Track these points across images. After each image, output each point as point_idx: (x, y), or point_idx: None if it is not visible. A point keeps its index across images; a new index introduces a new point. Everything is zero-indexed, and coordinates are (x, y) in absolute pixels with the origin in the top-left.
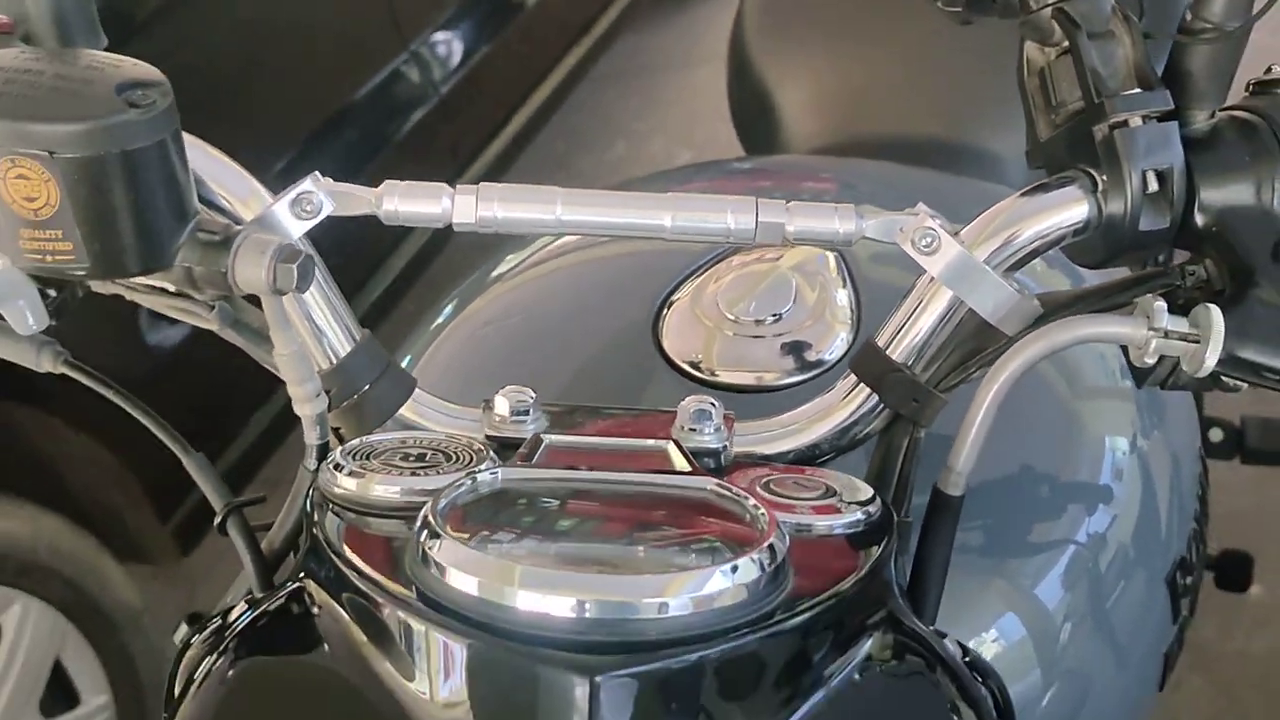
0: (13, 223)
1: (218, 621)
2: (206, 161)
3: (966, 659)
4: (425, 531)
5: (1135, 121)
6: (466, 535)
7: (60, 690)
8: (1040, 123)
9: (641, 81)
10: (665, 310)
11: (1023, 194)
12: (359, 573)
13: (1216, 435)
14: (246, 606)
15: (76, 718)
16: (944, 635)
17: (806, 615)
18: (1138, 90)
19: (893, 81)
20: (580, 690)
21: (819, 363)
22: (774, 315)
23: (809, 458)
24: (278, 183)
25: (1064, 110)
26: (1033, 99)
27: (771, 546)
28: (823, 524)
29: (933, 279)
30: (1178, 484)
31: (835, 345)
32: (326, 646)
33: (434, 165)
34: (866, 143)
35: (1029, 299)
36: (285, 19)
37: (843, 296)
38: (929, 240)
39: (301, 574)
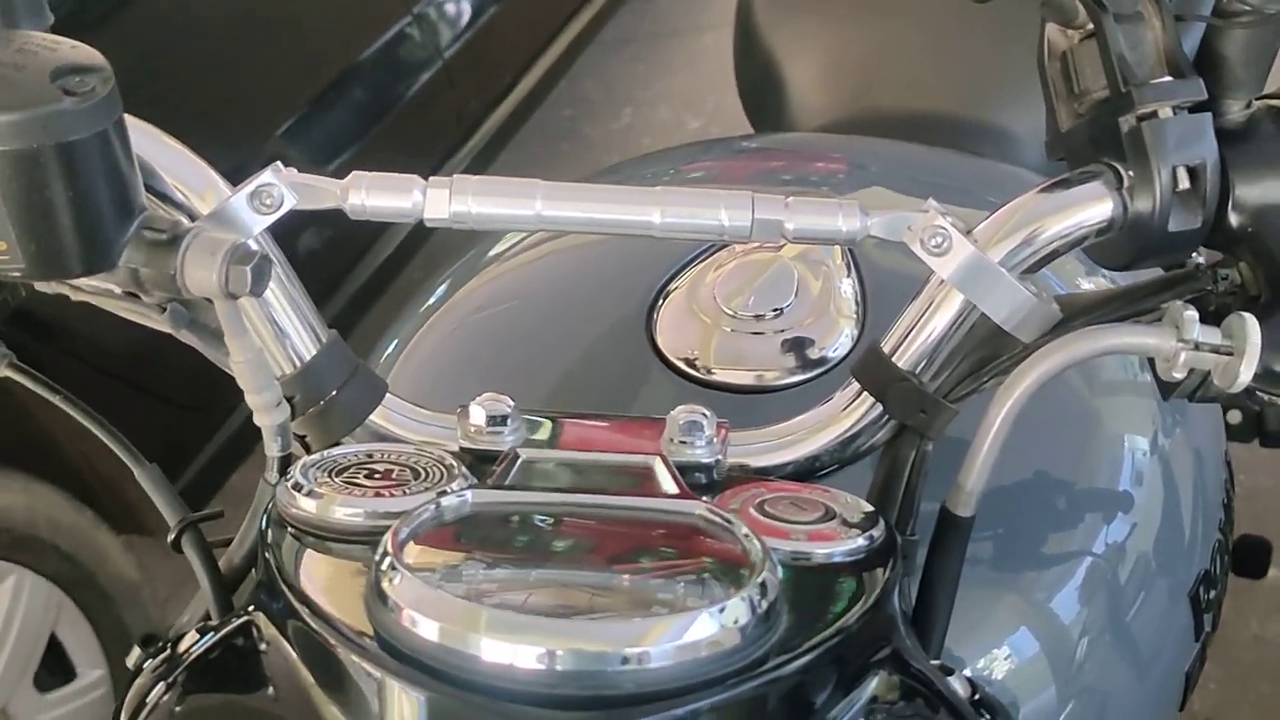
0: None
1: (168, 650)
2: (157, 150)
3: (975, 696)
4: (384, 564)
5: (1165, 112)
6: (429, 570)
7: (56, 663)
8: (1061, 111)
9: (649, 47)
10: (660, 303)
11: (1041, 190)
12: (312, 607)
13: (1235, 417)
14: (198, 636)
15: (72, 691)
16: (951, 671)
17: (804, 658)
18: (1168, 78)
19: (906, 55)
20: None
21: (822, 361)
22: (775, 310)
23: (808, 471)
24: (281, 143)
25: (1088, 99)
26: (1053, 86)
27: (764, 583)
28: (821, 551)
29: (943, 281)
30: (1202, 489)
31: (839, 342)
32: (272, 688)
33: (438, 131)
34: (878, 119)
35: (1047, 303)
36: None
37: (848, 289)
38: (939, 240)
39: (251, 605)
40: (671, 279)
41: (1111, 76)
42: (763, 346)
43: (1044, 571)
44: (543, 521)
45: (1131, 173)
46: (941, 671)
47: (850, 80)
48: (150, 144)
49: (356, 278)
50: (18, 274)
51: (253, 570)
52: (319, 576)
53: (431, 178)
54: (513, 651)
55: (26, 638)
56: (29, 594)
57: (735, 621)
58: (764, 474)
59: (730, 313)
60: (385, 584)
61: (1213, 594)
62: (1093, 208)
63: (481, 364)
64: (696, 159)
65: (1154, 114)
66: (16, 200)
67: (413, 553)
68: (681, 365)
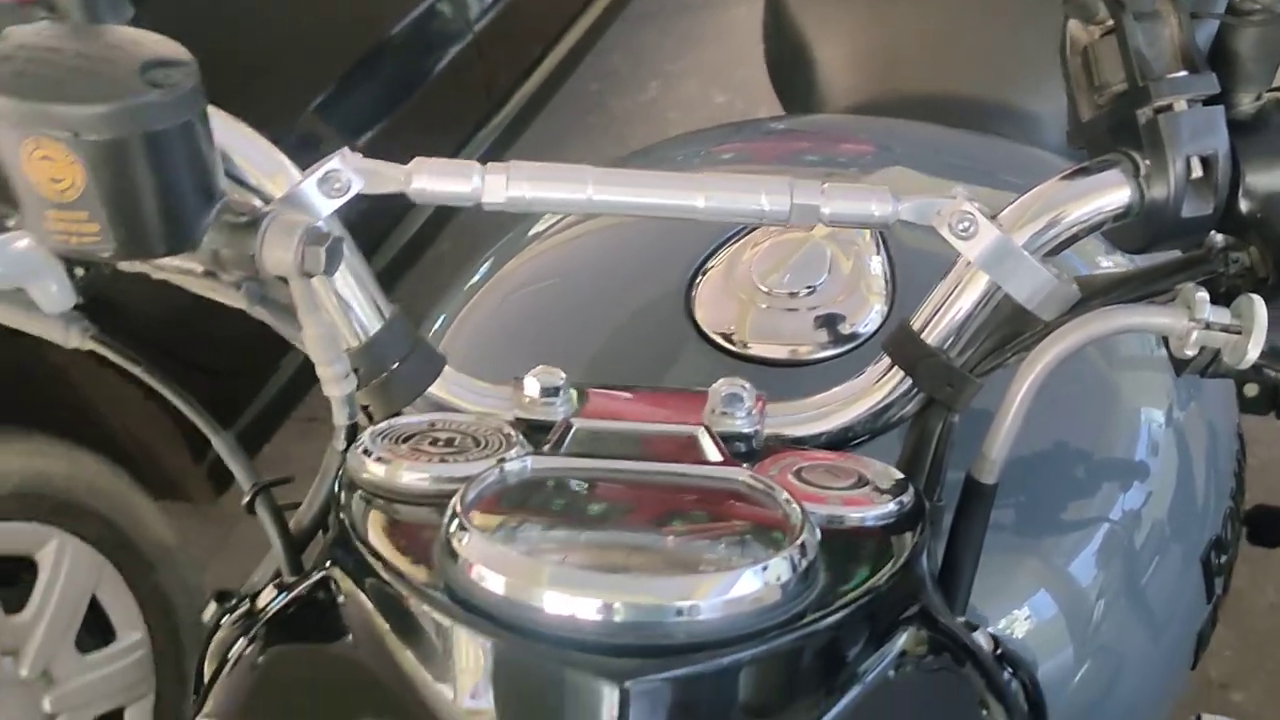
0: (38, 203)
1: (246, 604)
2: (231, 136)
3: (998, 651)
4: (453, 524)
5: (1180, 105)
6: (494, 529)
7: (96, 625)
8: (1082, 103)
9: (677, 21)
10: (698, 279)
11: (1063, 177)
12: (385, 564)
13: (1252, 390)
14: (276, 591)
15: (112, 652)
16: (975, 628)
17: (839, 614)
18: (1183, 73)
19: (933, 38)
20: (610, 696)
21: (853, 336)
22: (808, 288)
23: (841, 441)
24: (314, 120)
25: (1107, 91)
26: (1075, 79)
27: (803, 544)
28: (855, 515)
29: (969, 263)
30: (1215, 460)
31: (870, 318)
32: (351, 636)
33: (468, 104)
34: (906, 101)
35: (1067, 284)
36: None
37: (877, 267)
38: (966, 225)
39: (328, 561)
40: (709, 257)
41: (1130, 71)
42: (797, 322)
43: (1063, 537)
44: (597, 486)
45: (1148, 161)
46: (966, 628)
47: (878, 62)
48: (227, 130)
49: (388, 250)
50: (108, 255)
51: (320, 531)
52: (390, 535)
53: (490, 163)
54: (573, 603)
55: (68, 600)
56: (70, 558)
57: (777, 579)
58: (800, 444)
59: (766, 290)
60: (455, 542)
61: (1224, 559)
62: (1111, 194)
63: (528, 338)
64: (728, 140)
65: (1169, 107)
66: (107, 186)
67: (479, 514)
68: (719, 339)
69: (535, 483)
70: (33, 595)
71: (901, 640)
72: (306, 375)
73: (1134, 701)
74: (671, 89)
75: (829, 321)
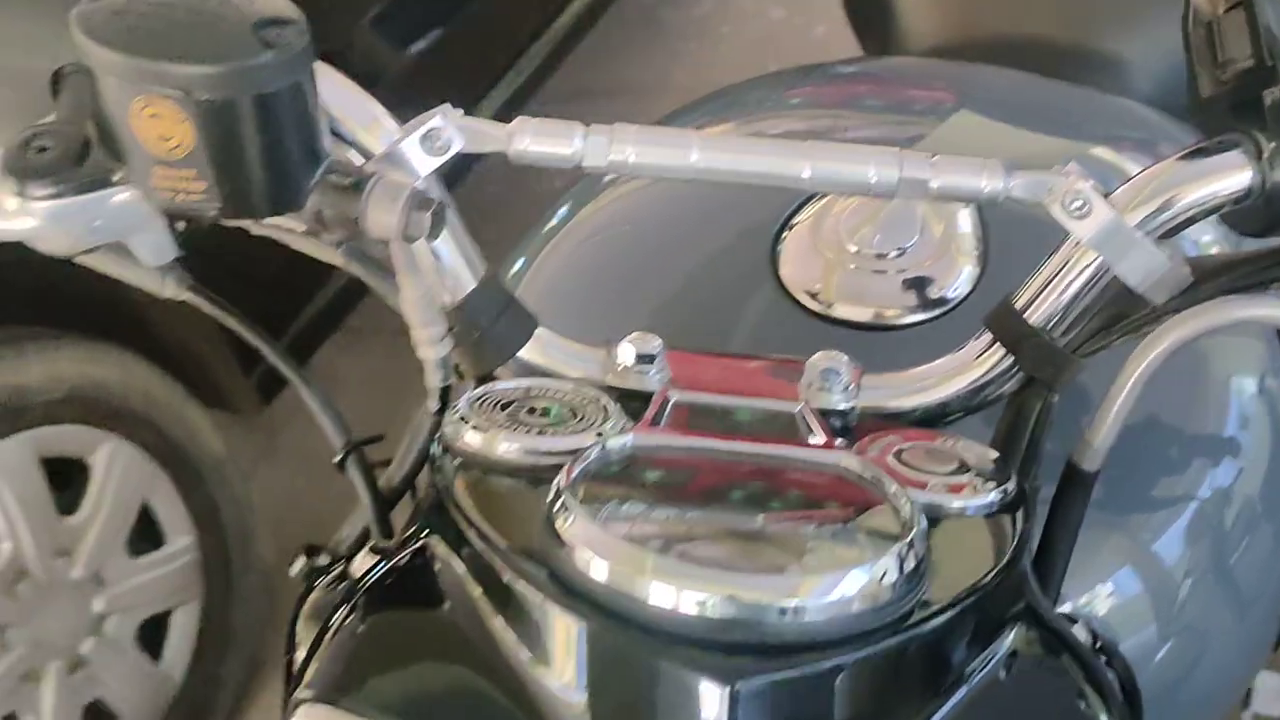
0: (145, 160)
1: (340, 566)
2: (333, 91)
3: (1097, 644)
4: (557, 503)
5: None
6: (597, 511)
7: (147, 530)
8: (1203, 78)
9: None
10: (785, 234)
11: (1181, 156)
12: (485, 538)
13: None
14: (374, 558)
15: (161, 557)
16: (1074, 620)
17: (946, 616)
18: None
19: None
20: (719, 695)
21: (942, 300)
22: (898, 249)
23: (936, 416)
24: (369, 34)
25: (1232, 68)
26: (1197, 52)
27: (913, 541)
28: (958, 504)
29: (1079, 242)
30: None
31: (959, 282)
32: (450, 605)
33: (523, 12)
34: (988, 43)
35: (1180, 267)
36: None
37: (968, 228)
38: (1080, 204)
39: (425, 530)
40: (795, 212)
41: (1258, 48)
42: (885, 284)
43: (1150, 514)
44: (700, 468)
45: (1273, 144)
46: (1066, 620)
47: (959, 2)
48: (329, 85)
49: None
50: (213, 213)
51: (410, 493)
52: (489, 507)
53: (593, 125)
54: (677, 596)
55: (121, 504)
56: (123, 463)
57: (885, 578)
58: (894, 418)
59: (854, 249)
60: (558, 522)
61: None
62: (1231, 176)
63: (609, 288)
64: (797, 85)
65: None
66: (215, 146)
67: (582, 493)
68: (805, 299)
69: (638, 461)
70: (85, 498)
71: (1009, 639)
72: (355, 286)
73: (1215, 681)
74: (725, 2)
75: (918, 284)
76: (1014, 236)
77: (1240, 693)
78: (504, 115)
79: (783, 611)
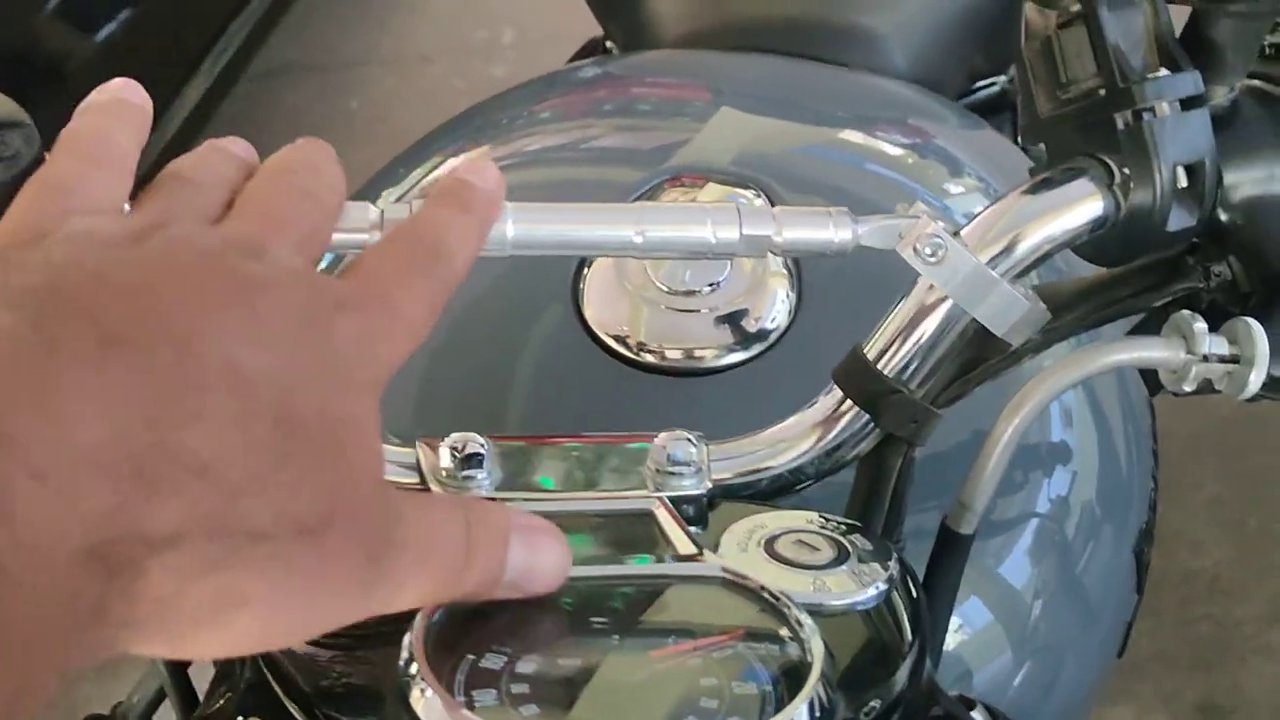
0: None
1: None
2: None
3: None
4: (408, 672)
5: (1164, 109)
6: (456, 680)
7: None
8: (1040, 97)
9: None
10: (585, 270)
11: (1026, 190)
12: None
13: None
14: None
15: None
16: (972, 705)
17: None
18: (1165, 72)
19: None
20: None
21: (761, 334)
22: (710, 285)
23: (789, 484)
24: (53, 22)
25: (1075, 88)
26: (1031, 70)
27: (824, 674)
28: (844, 603)
29: (930, 287)
30: (1134, 432)
31: (776, 314)
32: None
33: None
34: (742, 28)
35: (1037, 305)
36: None
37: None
38: (934, 249)
39: (241, 715)
40: None
41: (1106, 68)
42: (698, 323)
43: (989, 539)
44: (564, 611)
45: (1126, 170)
46: (963, 704)
47: None
48: None
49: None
50: None
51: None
52: (319, 679)
53: (388, 205)
54: None
55: None
56: None
57: None
58: (743, 489)
59: (664, 287)
60: (414, 700)
61: (1148, 551)
62: (1084, 206)
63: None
64: (544, 98)
65: (1152, 110)
66: None
67: (436, 655)
68: (612, 343)
69: (492, 603)
70: None
71: None
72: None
73: (1071, 698)
74: None
75: (733, 319)
76: (823, 260)
77: (1093, 703)
78: (211, 101)
79: None
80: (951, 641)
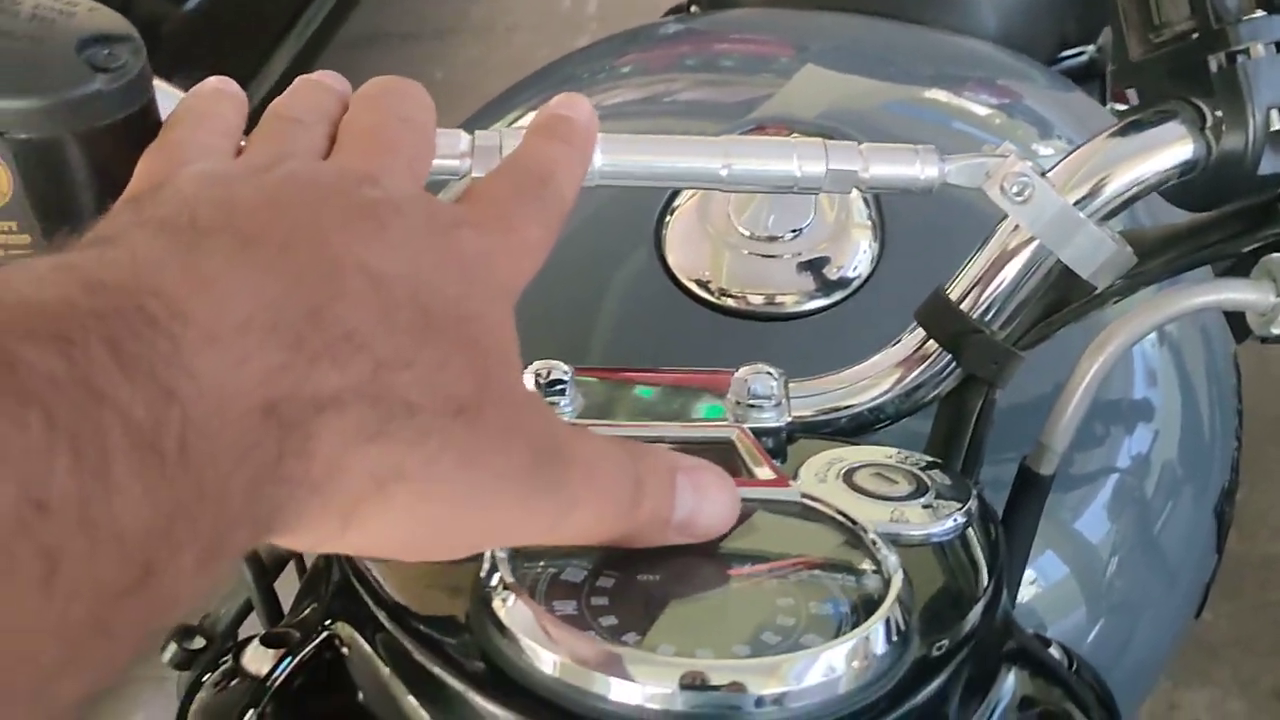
0: None
1: (227, 658)
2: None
3: (1073, 666)
4: (491, 582)
5: (1258, 51)
6: (538, 588)
7: None
8: (1133, 40)
9: None
10: (667, 217)
11: (1115, 131)
12: (406, 626)
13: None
14: (268, 650)
15: None
16: (1049, 644)
17: (942, 676)
18: (1261, 14)
19: None
20: None
21: (843, 282)
22: (793, 231)
23: (867, 424)
24: None
25: (1167, 30)
26: (1124, 12)
27: (900, 599)
28: (922, 534)
29: (1017, 227)
30: (1219, 389)
31: (859, 262)
32: (371, 705)
33: None
34: None
35: (1124, 248)
36: None
37: (861, 202)
38: (1021, 188)
39: (328, 619)
40: (677, 192)
41: (1200, 10)
42: (780, 269)
43: (1068, 493)
44: None
45: (1219, 113)
46: (1041, 643)
47: None
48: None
49: None
50: None
51: (292, 562)
52: (408, 585)
53: (478, 131)
54: (642, 691)
55: None
56: None
57: (875, 648)
58: (823, 426)
59: (746, 232)
60: (495, 604)
61: (1230, 509)
62: (1174, 149)
63: None
64: (626, 52)
65: (1246, 52)
66: (39, 193)
67: (519, 567)
68: (694, 287)
69: None
70: None
71: (1006, 685)
72: None
73: (1147, 655)
74: None
75: (816, 267)
76: (907, 207)
77: (1167, 664)
78: (299, 67)
79: (760, 702)
80: (1027, 594)
